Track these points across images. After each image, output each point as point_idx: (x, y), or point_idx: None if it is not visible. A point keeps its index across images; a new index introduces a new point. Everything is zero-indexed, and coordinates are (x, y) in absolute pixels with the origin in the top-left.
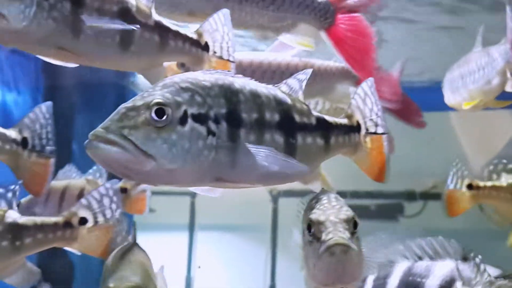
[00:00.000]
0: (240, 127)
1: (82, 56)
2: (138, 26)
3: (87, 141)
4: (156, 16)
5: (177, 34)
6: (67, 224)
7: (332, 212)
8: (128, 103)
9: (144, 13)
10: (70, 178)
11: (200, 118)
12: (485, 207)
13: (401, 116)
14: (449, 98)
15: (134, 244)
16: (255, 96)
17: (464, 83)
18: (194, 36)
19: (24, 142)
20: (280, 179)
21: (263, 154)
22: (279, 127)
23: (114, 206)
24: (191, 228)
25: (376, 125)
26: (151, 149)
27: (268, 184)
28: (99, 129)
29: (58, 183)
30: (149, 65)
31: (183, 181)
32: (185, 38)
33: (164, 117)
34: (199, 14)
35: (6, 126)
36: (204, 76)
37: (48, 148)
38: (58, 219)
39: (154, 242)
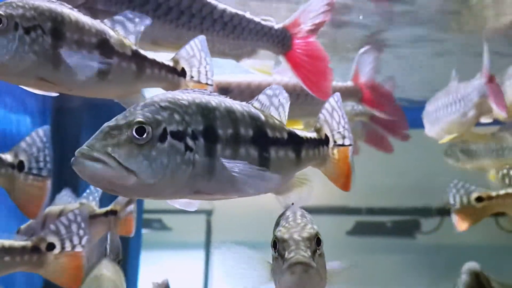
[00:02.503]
0: (216, 143)
1: (61, 86)
2: (111, 61)
3: (73, 158)
4: (133, 46)
5: (153, 62)
6: (35, 249)
7: (296, 231)
8: (111, 122)
9: (121, 43)
10: (66, 202)
11: (178, 135)
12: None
13: (386, 128)
14: (429, 129)
15: (104, 264)
16: (230, 112)
17: (442, 115)
18: (171, 64)
19: (20, 165)
20: (255, 191)
21: (238, 168)
22: (253, 141)
23: (81, 232)
24: (207, 246)
25: (343, 137)
26: (133, 165)
27: (244, 195)
28: (84, 147)
29: (54, 208)
30: (126, 92)
31: (164, 194)
32: (162, 65)
33: (145, 135)
34: (162, 43)
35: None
36: (183, 95)
37: (45, 170)
38: (26, 243)
39: (171, 260)
